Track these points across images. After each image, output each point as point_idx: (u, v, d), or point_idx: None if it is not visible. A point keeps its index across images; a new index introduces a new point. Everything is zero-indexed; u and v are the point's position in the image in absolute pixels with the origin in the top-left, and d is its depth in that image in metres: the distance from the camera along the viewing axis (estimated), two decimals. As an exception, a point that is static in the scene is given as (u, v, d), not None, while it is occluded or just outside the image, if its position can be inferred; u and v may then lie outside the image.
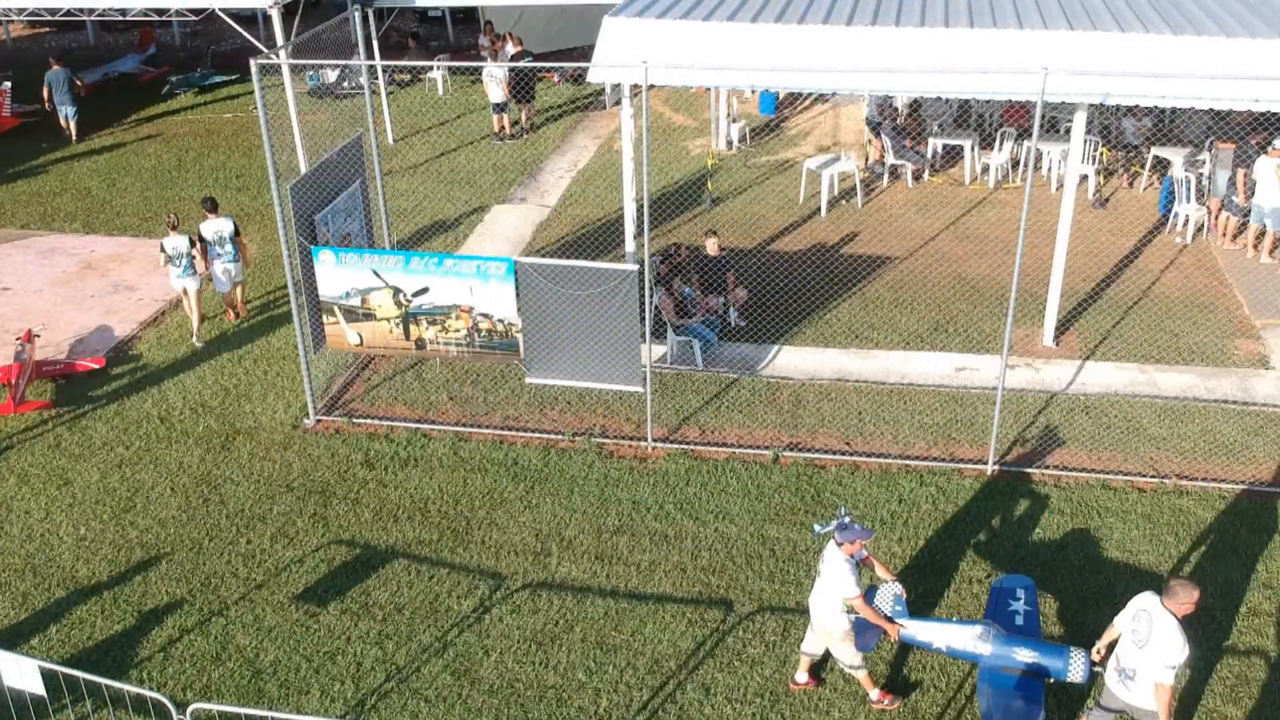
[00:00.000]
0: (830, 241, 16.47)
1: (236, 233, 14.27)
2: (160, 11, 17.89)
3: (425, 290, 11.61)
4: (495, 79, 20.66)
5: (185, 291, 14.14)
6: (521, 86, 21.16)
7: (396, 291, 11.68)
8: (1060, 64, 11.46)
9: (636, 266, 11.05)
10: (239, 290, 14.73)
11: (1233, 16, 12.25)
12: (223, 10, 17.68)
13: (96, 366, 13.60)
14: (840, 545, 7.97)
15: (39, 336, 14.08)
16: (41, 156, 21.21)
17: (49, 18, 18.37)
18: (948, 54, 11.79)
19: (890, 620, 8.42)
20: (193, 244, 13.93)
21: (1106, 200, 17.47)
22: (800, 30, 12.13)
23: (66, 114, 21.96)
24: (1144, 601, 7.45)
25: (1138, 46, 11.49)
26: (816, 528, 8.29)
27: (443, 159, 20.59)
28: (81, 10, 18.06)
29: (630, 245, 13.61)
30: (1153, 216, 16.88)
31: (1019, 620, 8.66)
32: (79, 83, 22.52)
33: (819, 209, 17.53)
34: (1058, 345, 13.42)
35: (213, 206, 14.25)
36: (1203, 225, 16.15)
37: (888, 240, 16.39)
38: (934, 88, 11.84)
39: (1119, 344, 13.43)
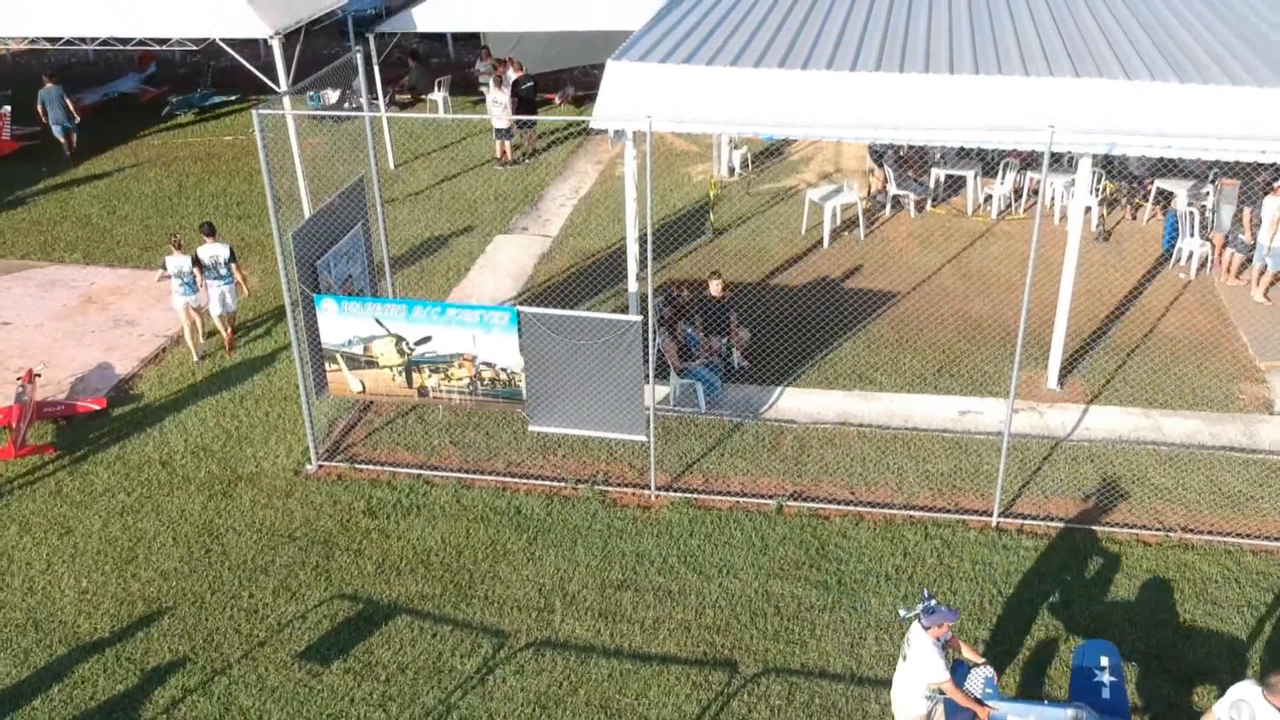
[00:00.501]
0: (833, 275, 16.43)
1: (232, 257, 14.52)
2: (160, 40, 17.81)
3: (428, 339, 11.57)
4: (500, 105, 20.62)
5: (188, 310, 14.44)
6: (525, 112, 21.10)
7: (399, 340, 11.64)
8: (1066, 112, 11.49)
9: (640, 318, 11.01)
10: (231, 318, 14.93)
11: (1238, 60, 12.21)
12: (223, 40, 17.62)
13: (98, 408, 13.55)
14: (926, 629, 7.81)
15: (39, 376, 14.04)
16: (41, 181, 21.16)
17: (48, 46, 18.25)
18: (953, 101, 11.76)
19: (980, 703, 8.25)
20: (195, 262, 14.26)
21: (1109, 233, 17.43)
22: (804, 76, 12.09)
23: (61, 129, 22.07)
24: (1244, 691, 7.35)
25: (1144, 95, 11.46)
26: (902, 611, 8.12)
27: (444, 185, 20.55)
28: (82, 39, 17.97)
29: (633, 285, 13.56)
30: (1156, 250, 16.85)
31: (1105, 693, 8.46)
32: (69, 104, 22.40)
33: (821, 240, 17.50)
34: (1062, 389, 13.38)
35: (210, 231, 14.51)
36: (1206, 261, 16.12)
37: (890, 275, 16.35)
38: (939, 138, 11.79)
39: (1123, 387, 13.39)
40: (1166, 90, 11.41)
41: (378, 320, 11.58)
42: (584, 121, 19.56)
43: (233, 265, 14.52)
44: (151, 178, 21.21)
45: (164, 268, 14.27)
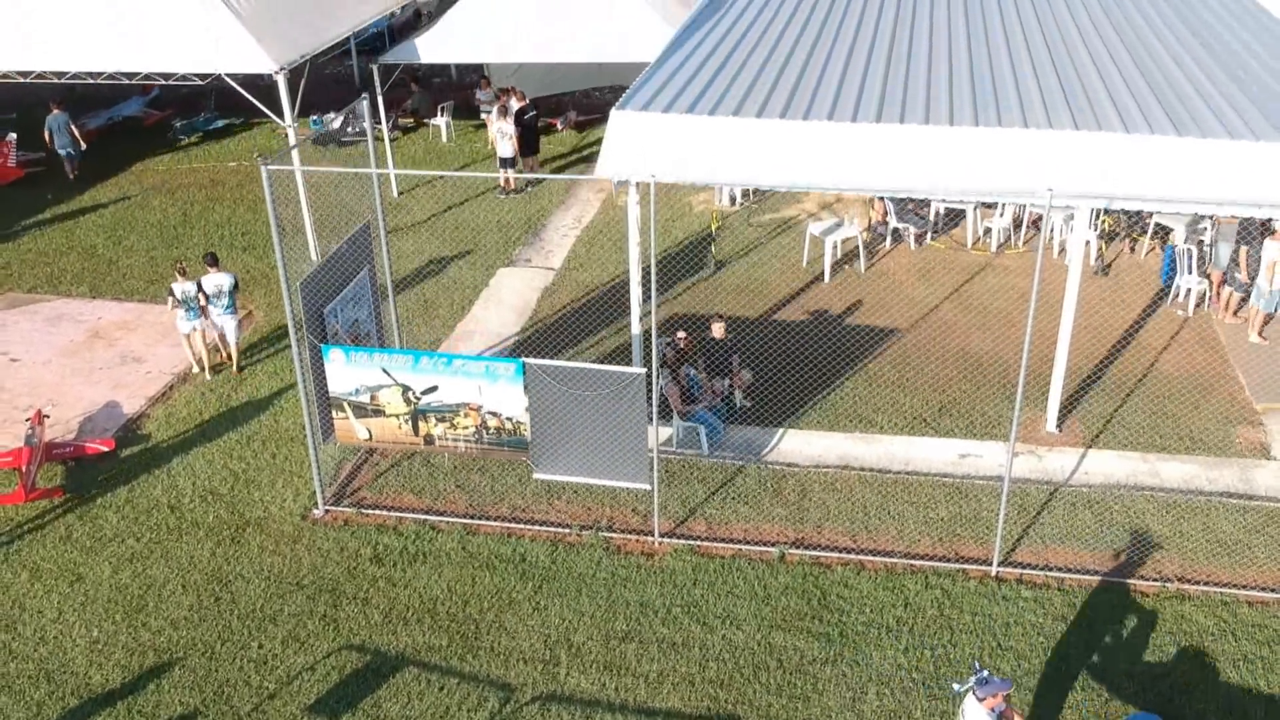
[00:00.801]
0: (834, 311, 16.58)
1: (236, 286, 15.17)
2: (166, 75, 17.95)
3: (434, 389, 11.70)
4: (506, 135, 20.77)
5: (191, 336, 15.07)
6: (528, 141, 21.24)
7: (405, 389, 11.77)
8: (1064, 166, 11.65)
9: (643, 370, 11.14)
10: (235, 346, 15.48)
11: (1236, 110, 12.35)
12: (229, 76, 17.77)
13: (106, 449, 13.68)
14: (981, 700, 7.82)
15: (48, 417, 14.19)
16: (47, 210, 21.30)
17: (56, 81, 18.39)
18: (952, 154, 11.89)
19: None
20: (200, 289, 14.86)
21: (1108, 267, 17.58)
22: (805, 127, 12.22)
23: (67, 155, 22.32)
24: None
25: (1141, 149, 11.59)
26: (956, 686, 8.09)
27: (448, 214, 20.69)
28: (89, 74, 18.11)
29: (636, 328, 13.68)
30: (1154, 285, 16.99)
31: None
32: (75, 130, 22.66)
33: (823, 273, 17.64)
34: (1060, 431, 13.53)
35: (213, 261, 15.13)
36: (1204, 297, 16.26)
37: (890, 310, 16.49)
38: (940, 191, 11.92)
39: (1121, 430, 13.54)
40: (1164, 144, 11.54)
41: (385, 370, 11.71)
42: (589, 168, 19.67)
43: (236, 295, 15.17)
44: (156, 206, 21.35)
45: (171, 294, 14.82)
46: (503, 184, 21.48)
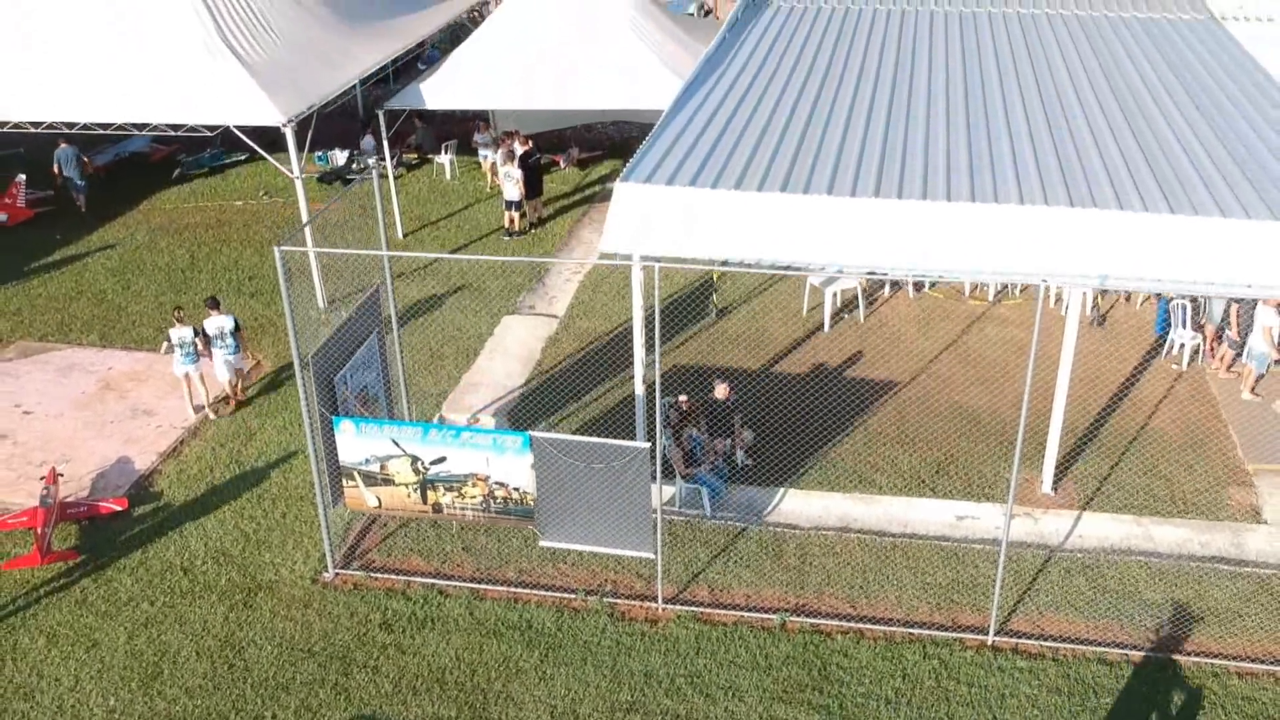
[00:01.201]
0: (833, 363, 16.84)
1: (237, 327, 15.82)
2: (175, 127, 18.21)
3: (443, 459, 11.96)
4: (513, 180, 21.04)
5: (188, 376, 15.73)
6: (531, 184, 21.50)
7: (415, 460, 12.03)
8: (1060, 244, 11.91)
9: (647, 445, 11.41)
10: (239, 381, 16.18)
11: (1230, 186, 12.59)
12: (237, 127, 18.02)
13: (120, 509, 13.94)
14: None
15: (62, 475, 14.45)
16: (56, 251, 21.56)
17: (67, 131, 18.65)
18: (950, 230, 12.14)
19: None
20: (196, 334, 15.44)
21: (1104, 317, 17.84)
22: (805, 201, 12.46)
23: (76, 189, 22.79)
24: None
25: (1136, 226, 11.84)
26: None
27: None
28: (98, 124, 18.36)
29: (639, 388, 13.95)
30: (1149, 337, 17.26)
31: None
32: (88, 162, 23.04)
33: (823, 323, 17.90)
34: (1056, 493, 13.79)
35: (215, 304, 15.81)
36: (1199, 350, 16.52)
37: (890, 362, 16.76)
38: (936, 269, 12.18)
39: (1115, 492, 13.80)
40: (1158, 222, 11.78)
41: (394, 441, 11.97)
42: (591, 209, 19.82)
43: (238, 335, 15.75)
44: (164, 248, 21.60)
45: (168, 339, 15.54)
46: (507, 225, 21.74)
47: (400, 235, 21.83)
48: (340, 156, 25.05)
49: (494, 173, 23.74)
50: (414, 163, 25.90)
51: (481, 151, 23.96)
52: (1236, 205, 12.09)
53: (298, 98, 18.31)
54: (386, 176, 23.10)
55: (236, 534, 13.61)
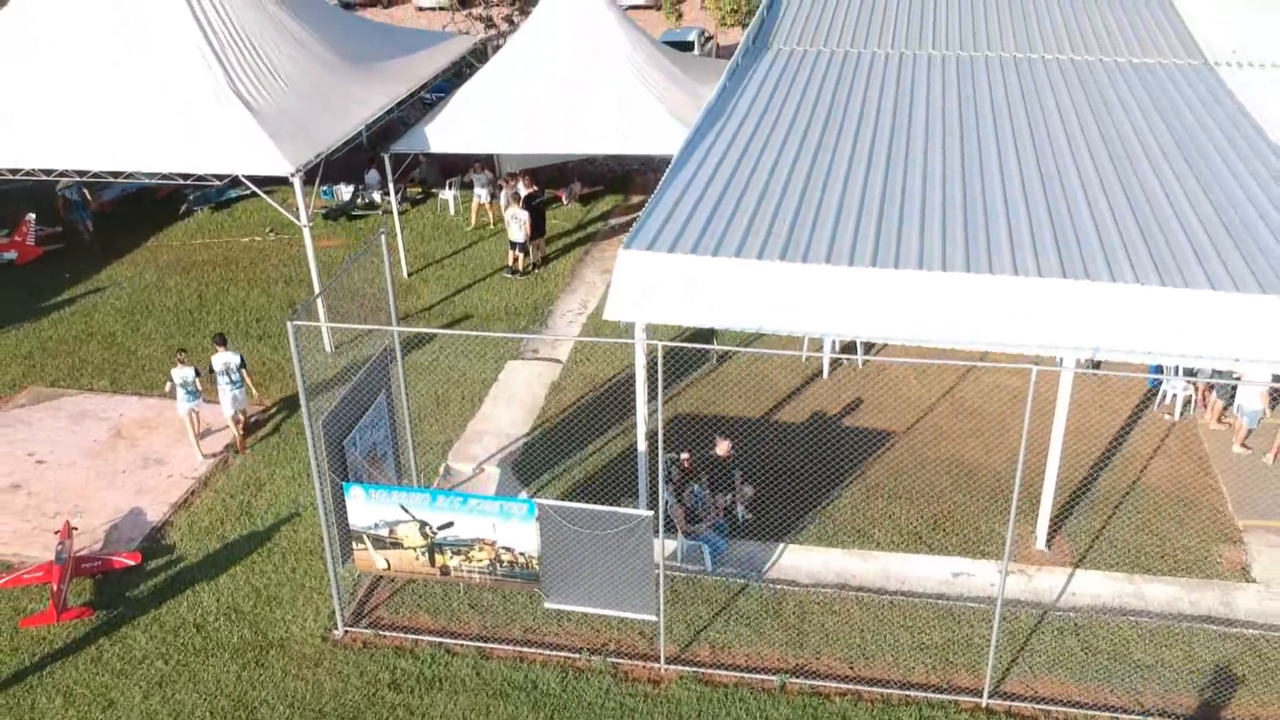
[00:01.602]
0: (832, 412, 17.14)
1: (243, 364, 16.35)
2: (185, 176, 18.52)
3: (450, 524, 12.26)
4: (519, 221, 21.35)
5: (191, 414, 16.28)
6: (535, 224, 21.80)
7: (423, 525, 12.33)
8: (1052, 313, 12.24)
9: (649, 513, 11.71)
10: (244, 418, 16.71)
11: (1219, 253, 12.90)
12: (246, 177, 18.33)
13: (133, 563, 14.23)
14: None
15: (76, 529, 14.74)
16: (66, 290, 21.87)
17: (78, 179, 18.96)
18: (946, 300, 12.45)
19: None
20: (198, 374, 16.13)
21: (1099, 364, 18.13)
22: (804, 270, 12.78)
23: (80, 221, 23.54)
24: None
25: (1128, 298, 12.15)
26: None
27: (458, 297, 21.24)
28: (110, 174, 18.67)
29: (642, 445, 14.26)
30: (1142, 386, 17.55)
31: None
32: (90, 198, 23.48)
33: (822, 368, 18.21)
34: (1049, 549, 14.09)
35: (222, 341, 16.33)
36: (1190, 400, 16.82)
37: (887, 411, 17.05)
38: (930, 339, 12.48)
39: (1107, 548, 14.09)
40: (1149, 294, 12.09)
41: (403, 507, 12.27)
42: (594, 247, 20.02)
43: (243, 371, 16.31)
44: (172, 287, 21.90)
45: (170, 380, 16.13)
46: (511, 263, 22.05)
47: (405, 275, 22.13)
48: (345, 191, 25.35)
49: (483, 212, 24.04)
50: (418, 197, 26.20)
51: (476, 190, 24.18)
52: (1226, 276, 12.41)
53: (305, 146, 18.62)
54: (391, 212, 23.44)
55: (248, 589, 13.91)
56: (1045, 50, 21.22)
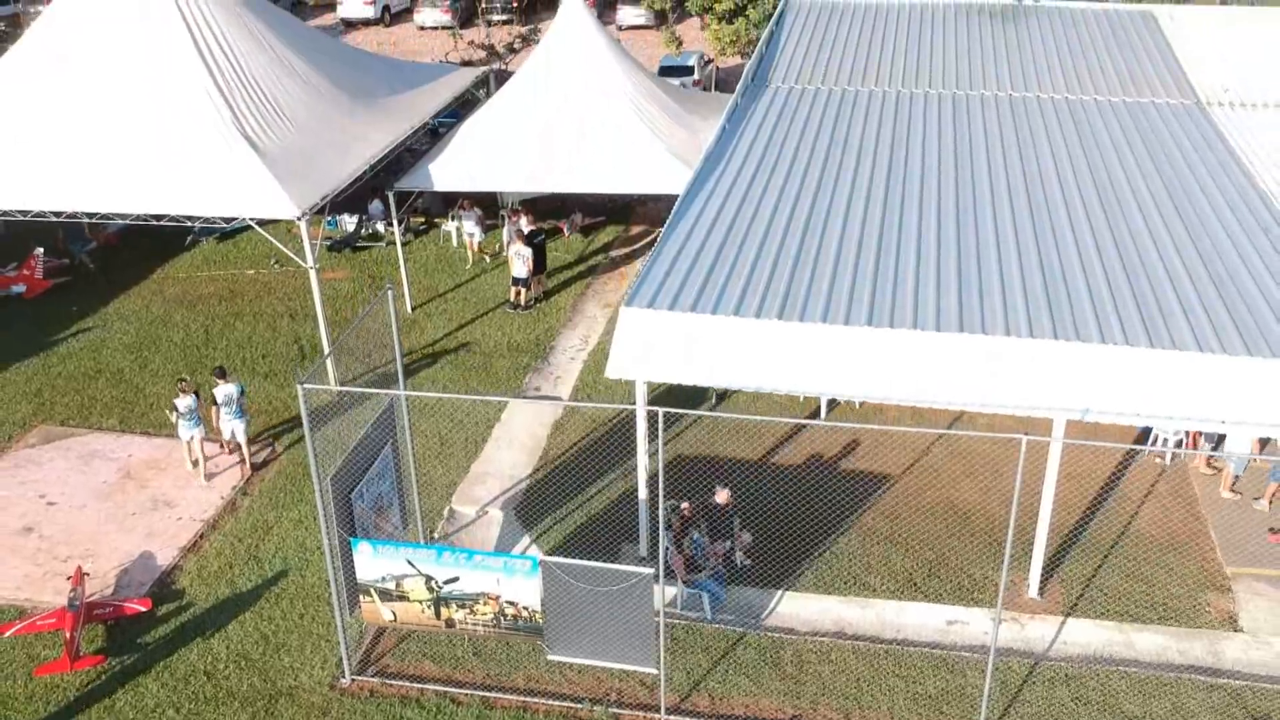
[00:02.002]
0: (829, 454, 17.44)
1: (242, 393, 17.32)
2: (192, 218, 18.82)
3: (456, 579, 12.56)
4: (522, 258, 21.66)
5: (192, 440, 17.19)
6: (537, 261, 22.10)
7: (429, 579, 12.63)
8: (1043, 373, 12.55)
9: (650, 570, 12.01)
10: (245, 444, 17.47)
11: (1207, 311, 13.21)
12: (253, 220, 18.63)
13: (144, 609, 14.52)
14: None
15: (89, 574, 15.04)
16: (74, 324, 22.17)
17: (86, 220, 19.26)
18: (937, 360, 12.76)
19: None
20: (199, 399, 17.06)
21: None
22: (800, 329, 13.09)
23: (78, 254, 24.17)
24: None
25: (1117, 359, 12.46)
26: None
27: (460, 332, 21.54)
28: (116, 215, 18.96)
29: (643, 492, 14.58)
30: (1133, 431, 17.84)
31: None
32: (92, 234, 23.89)
33: (819, 407, 18.51)
34: (1042, 596, 14.38)
35: (222, 374, 17.28)
36: (1181, 443, 17.12)
37: (883, 454, 17.35)
38: (924, 399, 12.79)
39: (1098, 596, 14.39)
40: (1138, 356, 12.40)
41: (409, 562, 12.57)
42: (595, 280, 20.28)
43: (243, 399, 17.26)
44: (179, 322, 22.20)
45: (175, 409, 16.93)
46: (513, 299, 22.35)
47: (409, 309, 22.42)
48: (349, 222, 25.66)
49: (478, 252, 24.23)
50: (421, 228, 26.49)
51: (467, 229, 24.22)
52: (1213, 336, 12.72)
53: (311, 189, 18.91)
54: (393, 243, 23.76)
55: (256, 636, 14.20)
56: (1041, 89, 21.56)
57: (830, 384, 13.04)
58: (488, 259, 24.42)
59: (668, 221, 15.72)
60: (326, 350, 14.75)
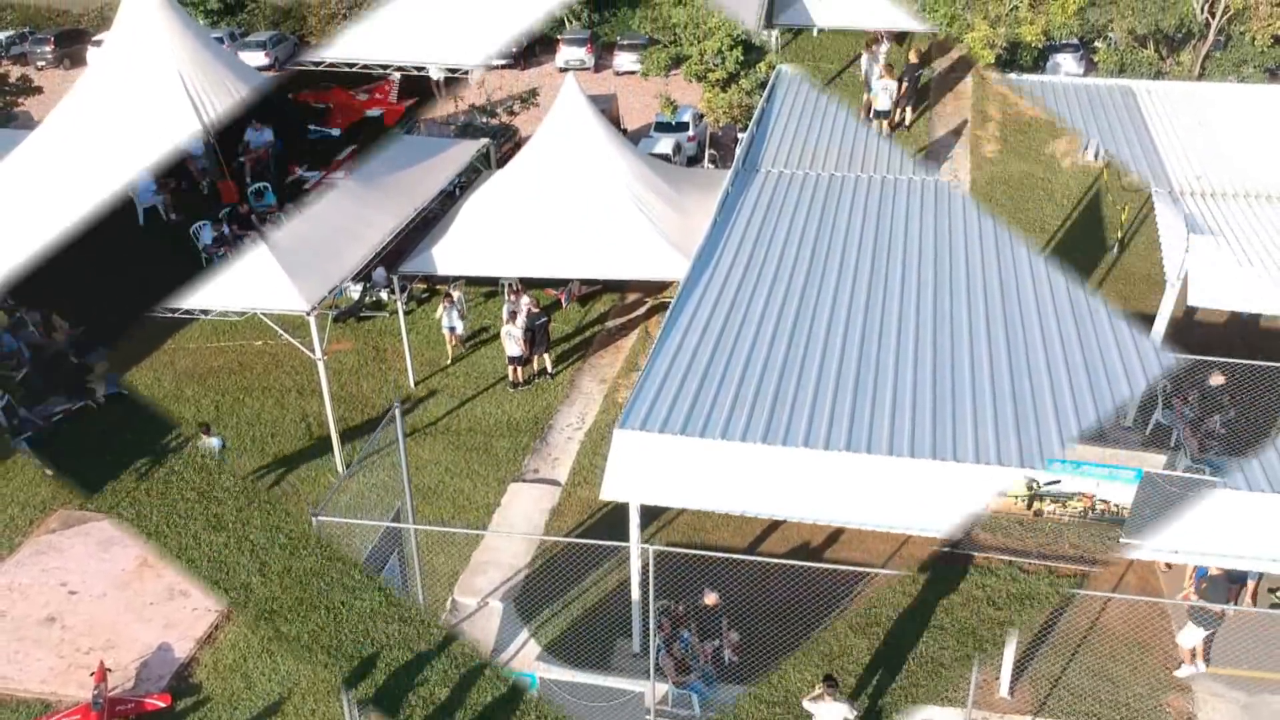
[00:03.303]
0: (814, 543, 18.27)
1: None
2: (205, 312, 19.65)
3: (460, 692, 13.43)
4: (514, 338, 22.48)
5: None
6: (538, 342, 22.92)
7: (435, 691, 13.48)
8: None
9: (642, 689, 12.90)
10: None
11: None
12: (265, 315, 19.47)
13: (163, 705, 15.35)
14: None
15: (111, 670, 15.86)
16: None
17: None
18: (911, 486, 13.64)
19: None
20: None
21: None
22: (783, 453, 13.95)
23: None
24: None
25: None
26: None
27: (461, 411, 22.37)
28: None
29: (635, 593, 15.41)
30: (1105, 517, 18.70)
31: None
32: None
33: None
34: (1012, 697, 15.24)
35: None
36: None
37: (865, 542, 18.16)
38: (917, 526, 13.68)
39: (1066, 695, 15.25)
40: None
41: (416, 676, 13.43)
42: (593, 355, 21.08)
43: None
44: (190, 397, 22.98)
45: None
46: (511, 377, 23.17)
47: (412, 384, 23.25)
48: (354, 290, 26.42)
49: (457, 341, 24.51)
50: (423, 295, 27.28)
51: (446, 321, 24.04)
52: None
53: (320, 282, 19.70)
54: (395, 312, 24.56)
55: (270, 734, 15.06)
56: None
57: (814, 509, 13.89)
58: (464, 349, 24.75)
59: (659, 334, 16.56)
60: (337, 485, 15.61)
